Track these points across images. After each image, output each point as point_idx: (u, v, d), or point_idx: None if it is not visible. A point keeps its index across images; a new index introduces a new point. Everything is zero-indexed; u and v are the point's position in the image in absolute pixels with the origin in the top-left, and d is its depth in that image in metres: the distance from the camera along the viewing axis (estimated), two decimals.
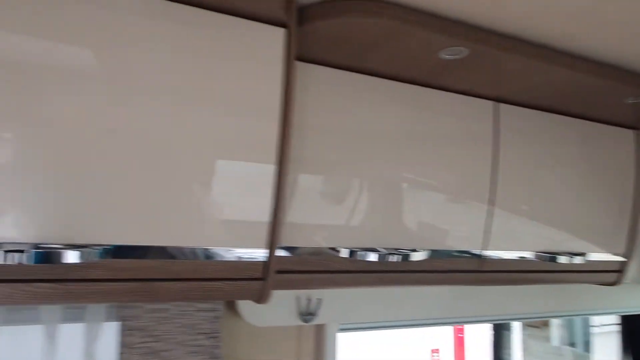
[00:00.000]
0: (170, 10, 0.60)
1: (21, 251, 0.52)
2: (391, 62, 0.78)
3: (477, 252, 0.93)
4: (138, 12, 0.59)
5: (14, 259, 0.51)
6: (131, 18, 0.58)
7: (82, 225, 0.57)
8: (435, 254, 0.88)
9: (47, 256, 0.53)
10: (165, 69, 0.60)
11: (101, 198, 0.58)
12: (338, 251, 0.79)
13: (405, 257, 0.80)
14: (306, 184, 0.76)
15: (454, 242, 0.90)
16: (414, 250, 0.83)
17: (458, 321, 1.46)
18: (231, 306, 0.95)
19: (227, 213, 0.65)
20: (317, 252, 0.77)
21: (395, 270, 0.86)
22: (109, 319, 0.84)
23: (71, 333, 0.82)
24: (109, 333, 0.84)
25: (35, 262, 0.52)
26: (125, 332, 0.83)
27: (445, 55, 0.75)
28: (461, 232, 0.91)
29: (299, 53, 0.70)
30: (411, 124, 0.84)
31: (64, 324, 0.82)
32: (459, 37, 0.70)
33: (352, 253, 0.78)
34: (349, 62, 0.78)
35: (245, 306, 0.94)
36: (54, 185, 0.55)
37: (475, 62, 0.78)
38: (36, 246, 0.54)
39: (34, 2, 0.53)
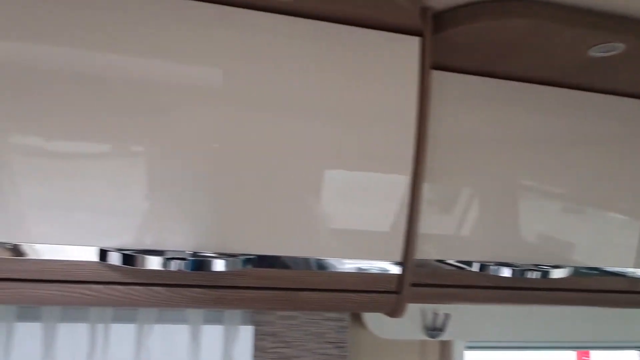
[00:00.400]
0: (300, 27, 0.62)
1: (182, 259, 0.56)
2: (531, 65, 0.73)
3: (629, 271, 0.83)
4: (267, 30, 0.61)
5: (175, 265, 0.56)
6: (261, 36, 0.61)
7: (230, 236, 0.61)
8: (579, 271, 0.80)
9: (200, 264, 0.57)
10: (298, 84, 0.62)
11: (244, 210, 0.61)
12: (470, 265, 0.75)
13: (545, 273, 0.74)
14: (434, 194, 0.74)
15: (602, 260, 0.81)
16: (556, 267, 0.76)
17: (601, 346, 1.31)
18: (357, 316, 0.95)
19: (363, 225, 0.65)
20: (446, 265, 0.74)
21: (534, 288, 0.79)
22: (244, 322, 0.89)
23: (211, 334, 0.88)
24: (244, 336, 0.88)
25: (192, 269, 0.57)
26: (258, 336, 0.87)
27: (596, 52, 0.68)
28: (611, 248, 0.82)
29: (434, 61, 0.69)
30: (551, 129, 0.78)
31: (205, 325, 0.88)
32: (615, 32, 0.63)
33: (483, 267, 0.74)
34: (485, 68, 0.74)
35: (371, 317, 0.93)
36: (206, 198, 0.60)
37: (631, 58, 0.70)
38: (193, 254, 0.59)
39: (158, 26, 0.58)
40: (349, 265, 0.65)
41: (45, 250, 0.56)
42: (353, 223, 0.65)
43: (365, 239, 0.65)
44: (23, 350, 0.83)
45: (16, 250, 0.55)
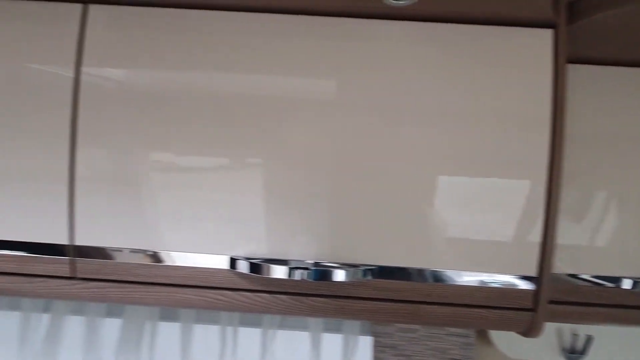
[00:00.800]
0: (419, 31, 0.60)
1: (305, 268, 0.57)
2: None
3: None
4: (384, 37, 0.60)
5: (299, 275, 0.57)
6: (378, 44, 0.60)
7: (350, 246, 0.61)
8: None
9: (322, 274, 0.58)
10: (417, 90, 0.60)
11: (363, 220, 0.60)
12: (616, 281, 0.66)
13: None
14: (572, 201, 0.66)
15: None
16: None
17: None
18: (482, 332, 0.89)
19: (492, 236, 0.61)
20: (581, 281, 0.66)
21: None
22: (363, 332, 0.88)
23: (332, 342, 0.88)
24: (364, 346, 0.87)
25: (314, 279, 0.57)
26: (378, 348, 0.85)
27: None
28: None
29: (569, 54, 0.62)
30: None
31: (326, 333, 0.88)
32: None
33: (636, 284, 0.65)
34: (629, 56, 0.65)
35: (499, 334, 0.87)
36: (325, 208, 0.60)
37: None
38: (315, 264, 0.60)
39: (273, 42, 0.60)
40: (470, 278, 0.61)
41: (182, 258, 0.61)
42: (480, 234, 0.61)
43: (494, 251, 0.61)
44: (163, 348, 0.91)
45: (156, 257, 0.61)
